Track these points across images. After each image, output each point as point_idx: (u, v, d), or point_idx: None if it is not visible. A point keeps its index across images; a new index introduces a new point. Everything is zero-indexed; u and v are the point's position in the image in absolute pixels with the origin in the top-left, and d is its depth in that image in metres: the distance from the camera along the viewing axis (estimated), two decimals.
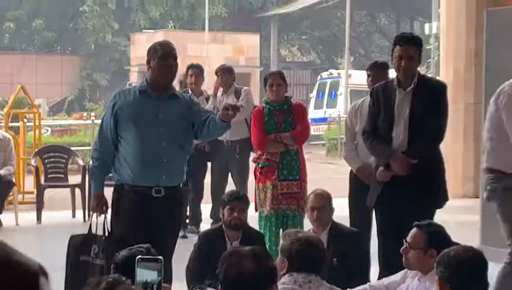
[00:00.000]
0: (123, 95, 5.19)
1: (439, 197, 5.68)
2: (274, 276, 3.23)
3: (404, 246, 4.45)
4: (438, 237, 4.41)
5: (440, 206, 5.68)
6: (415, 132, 5.50)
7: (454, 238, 5.37)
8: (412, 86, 5.51)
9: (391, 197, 5.58)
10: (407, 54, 5.46)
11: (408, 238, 4.46)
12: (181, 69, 8.22)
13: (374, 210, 6.50)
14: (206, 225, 8.49)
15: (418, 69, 5.74)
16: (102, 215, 5.17)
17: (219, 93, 8.93)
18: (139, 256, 2.54)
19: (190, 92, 8.76)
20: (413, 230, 4.48)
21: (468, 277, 3.50)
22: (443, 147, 6.67)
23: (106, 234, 5.12)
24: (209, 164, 9.16)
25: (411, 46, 5.50)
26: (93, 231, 5.16)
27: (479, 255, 3.65)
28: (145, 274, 2.51)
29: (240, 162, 8.71)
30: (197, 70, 9.00)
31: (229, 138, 8.58)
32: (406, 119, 5.52)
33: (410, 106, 5.51)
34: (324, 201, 5.67)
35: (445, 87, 5.73)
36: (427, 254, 4.35)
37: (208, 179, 9.17)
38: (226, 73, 8.91)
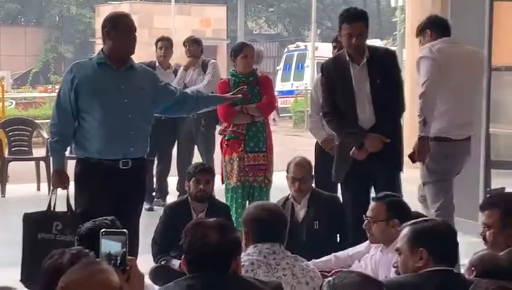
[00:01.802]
0: (81, 68, 5.10)
1: (401, 162, 5.75)
2: (238, 248, 3.24)
3: (366, 221, 4.47)
4: (398, 207, 4.45)
5: (401, 170, 5.75)
6: (379, 105, 5.54)
7: (416, 208, 5.46)
8: (365, 60, 5.54)
9: (362, 170, 5.62)
10: (357, 32, 5.47)
11: (368, 213, 4.47)
12: (149, 41, 8.22)
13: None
14: (173, 197, 8.48)
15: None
16: (65, 191, 5.12)
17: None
18: (103, 229, 2.52)
19: (158, 64, 8.74)
20: (372, 204, 4.50)
21: (445, 248, 3.48)
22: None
23: (69, 209, 5.08)
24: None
25: (359, 22, 5.50)
26: (53, 207, 5.11)
27: (452, 227, 3.65)
28: (108, 246, 2.50)
29: (205, 135, 8.71)
30: (166, 43, 8.97)
31: None
32: (367, 94, 5.55)
33: (369, 79, 5.53)
34: (305, 172, 5.72)
35: (395, 55, 5.87)
36: (390, 225, 4.38)
37: (174, 152, 9.16)
38: (193, 44, 8.89)
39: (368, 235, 4.52)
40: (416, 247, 3.41)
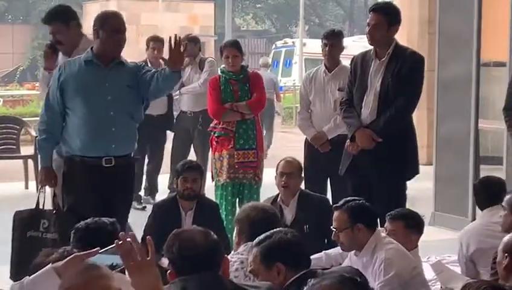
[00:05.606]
0: (68, 66, 5.09)
1: (408, 169, 5.64)
2: (222, 247, 3.24)
3: (333, 233, 4.44)
4: (360, 211, 4.42)
5: (409, 178, 5.68)
6: (384, 103, 5.50)
7: (408, 206, 5.44)
8: (386, 56, 5.52)
9: (359, 168, 5.60)
10: (372, 21, 5.52)
11: (333, 224, 4.44)
12: (136, 38, 8.17)
13: (328, 178, 6.54)
14: (162, 195, 8.44)
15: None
16: (51, 189, 5.10)
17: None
18: (100, 251, 2.53)
19: (149, 64, 8.70)
20: (334, 214, 4.45)
21: (296, 254, 3.54)
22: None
23: (56, 207, 5.06)
24: (168, 135, 9.11)
25: (376, 13, 5.54)
26: (42, 205, 5.10)
27: (293, 233, 3.67)
28: (110, 259, 2.52)
29: (202, 133, 8.65)
30: (159, 44, 8.93)
31: (192, 108, 8.59)
32: (376, 90, 5.53)
33: (383, 76, 5.51)
34: (294, 168, 5.68)
35: (418, 61, 5.63)
36: (355, 231, 4.36)
37: (167, 149, 9.11)
38: (190, 43, 8.84)
39: (339, 245, 4.50)
40: (270, 264, 3.47)
